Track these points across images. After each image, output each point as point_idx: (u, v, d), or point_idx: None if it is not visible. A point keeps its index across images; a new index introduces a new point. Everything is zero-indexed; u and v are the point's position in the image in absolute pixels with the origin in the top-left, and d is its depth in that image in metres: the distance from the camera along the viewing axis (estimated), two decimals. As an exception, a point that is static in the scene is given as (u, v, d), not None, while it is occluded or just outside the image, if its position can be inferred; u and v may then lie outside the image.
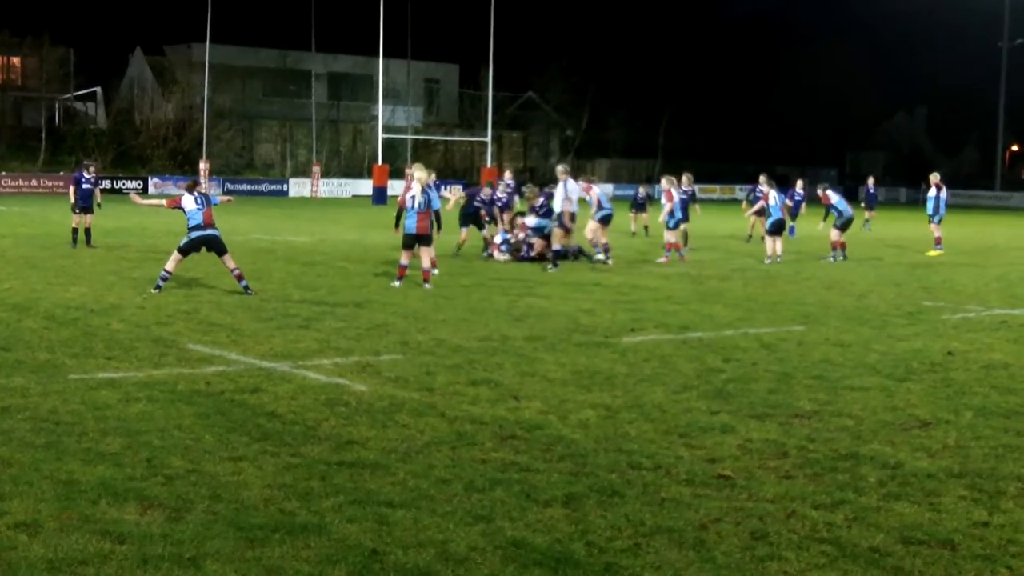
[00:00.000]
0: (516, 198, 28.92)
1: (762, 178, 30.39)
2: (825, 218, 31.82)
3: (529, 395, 11.16)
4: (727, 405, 10.88)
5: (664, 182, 28.83)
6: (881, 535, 7.23)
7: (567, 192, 24.79)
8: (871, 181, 48.11)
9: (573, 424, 9.99)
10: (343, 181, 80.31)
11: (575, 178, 26.41)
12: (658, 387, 11.70)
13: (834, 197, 30.09)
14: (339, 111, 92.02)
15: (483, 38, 70.88)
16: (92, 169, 28.62)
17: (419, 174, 21.05)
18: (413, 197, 20.39)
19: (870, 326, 16.63)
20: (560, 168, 26.00)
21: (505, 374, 12.23)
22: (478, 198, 28.06)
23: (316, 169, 78.42)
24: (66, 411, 9.98)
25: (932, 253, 31.25)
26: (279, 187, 77.16)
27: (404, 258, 20.75)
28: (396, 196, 27.14)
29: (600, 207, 26.67)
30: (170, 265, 18.98)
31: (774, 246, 27.64)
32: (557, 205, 24.79)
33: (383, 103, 71.01)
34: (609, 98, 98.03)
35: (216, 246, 19.03)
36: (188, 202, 19.09)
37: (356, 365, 12.62)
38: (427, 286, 20.09)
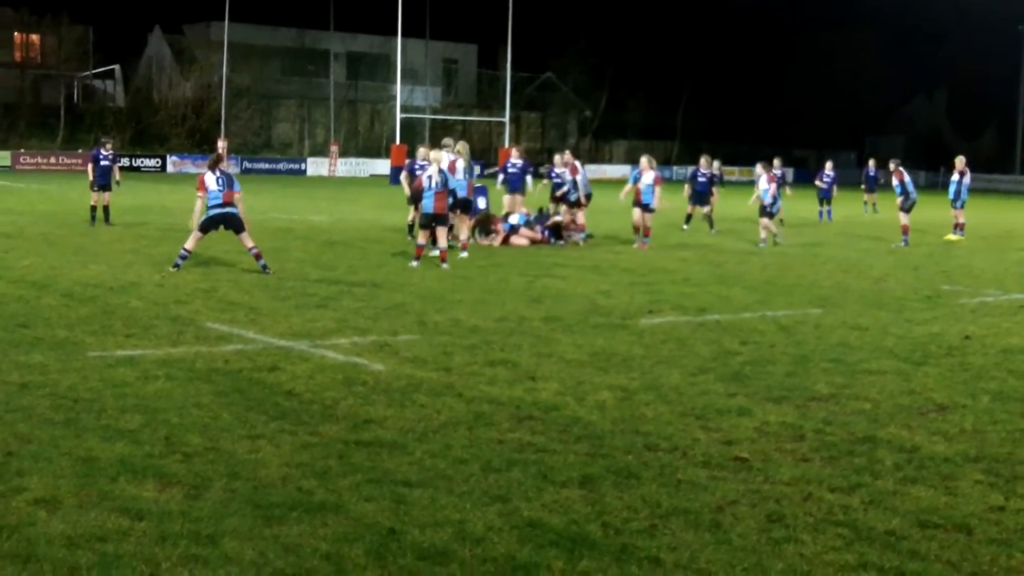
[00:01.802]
0: (528, 179, 28.01)
1: (758, 167, 29.54)
2: (901, 195, 29.23)
3: (546, 376, 11.17)
4: (744, 388, 10.88)
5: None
6: (897, 519, 7.23)
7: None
8: (872, 163, 47.34)
9: (590, 405, 10.00)
10: (361, 160, 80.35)
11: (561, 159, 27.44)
12: (675, 369, 11.70)
13: (907, 175, 29.42)
14: (357, 91, 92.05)
15: (502, 18, 70.82)
16: (109, 146, 28.68)
17: (433, 154, 21.16)
18: (430, 177, 20.44)
19: (888, 310, 16.60)
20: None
21: (522, 355, 12.24)
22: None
23: (334, 148, 78.49)
24: (85, 388, 10.03)
25: (950, 237, 31.08)
26: (297, 166, 77.27)
27: (422, 238, 20.81)
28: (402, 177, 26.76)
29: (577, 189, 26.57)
30: (189, 243, 18.92)
31: (766, 227, 27.48)
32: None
33: (401, 83, 70.98)
34: (627, 79, 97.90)
35: (234, 224, 18.96)
36: (210, 181, 18.91)
37: (373, 345, 12.65)
38: (444, 266, 20.13)
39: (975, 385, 11.27)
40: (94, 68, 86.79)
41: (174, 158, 73.25)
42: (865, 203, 45.01)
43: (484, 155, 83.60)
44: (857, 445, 8.91)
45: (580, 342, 13.16)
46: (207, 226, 18.95)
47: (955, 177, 31.70)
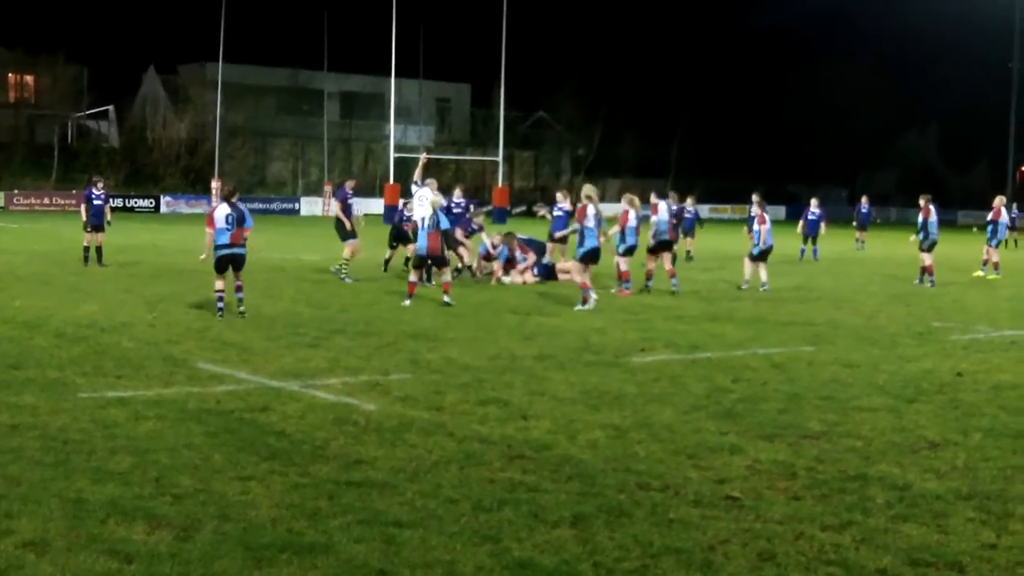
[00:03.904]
0: (473, 221, 27.51)
1: (755, 198, 27.74)
2: (918, 233, 28.58)
3: (538, 414, 11.16)
4: (736, 425, 10.88)
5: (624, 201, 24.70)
6: (889, 557, 7.22)
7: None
8: (864, 200, 47.81)
9: (582, 444, 9.99)
10: (355, 199, 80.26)
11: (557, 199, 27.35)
12: (667, 407, 11.69)
13: (934, 214, 28.35)
14: (351, 130, 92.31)
15: (495, 57, 71.06)
16: (101, 185, 28.49)
17: (433, 198, 21.21)
18: (423, 218, 20.58)
19: (879, 346, 16.61)
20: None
21: (514, 393, 12.24)
22: (401, 216, 27.17)
23: (328, 188, 78.58)
24: (75, 429, 10.01)
25: (979, 275, 30.91)
26: (291, 205, 77.38)
27: (414, 276, 20.90)
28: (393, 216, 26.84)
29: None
30: (217, 284, 18.22)
31: (755, 271, 25.44)
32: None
33: (395, 122, 71.18)
34: (620, 117, 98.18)
35: (239, 265, 18.36)
36: (219, 217, 18.18)
37: (365, 384, 12.64)
38: (446, 298, 20.18)
39: (967, 422, 11.27)
40: (88, 108, 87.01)
41: (168, 198, 73.33)
42: (857, 240, 45.21)
43: (478, 193, 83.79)
44: (849, 483, 8.90)
45: (572, 380, 13.15)
46: (220, 268, 18.25)
47: (991, 216, 31.37)
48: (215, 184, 71.55)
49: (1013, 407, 12.12)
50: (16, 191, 69.87)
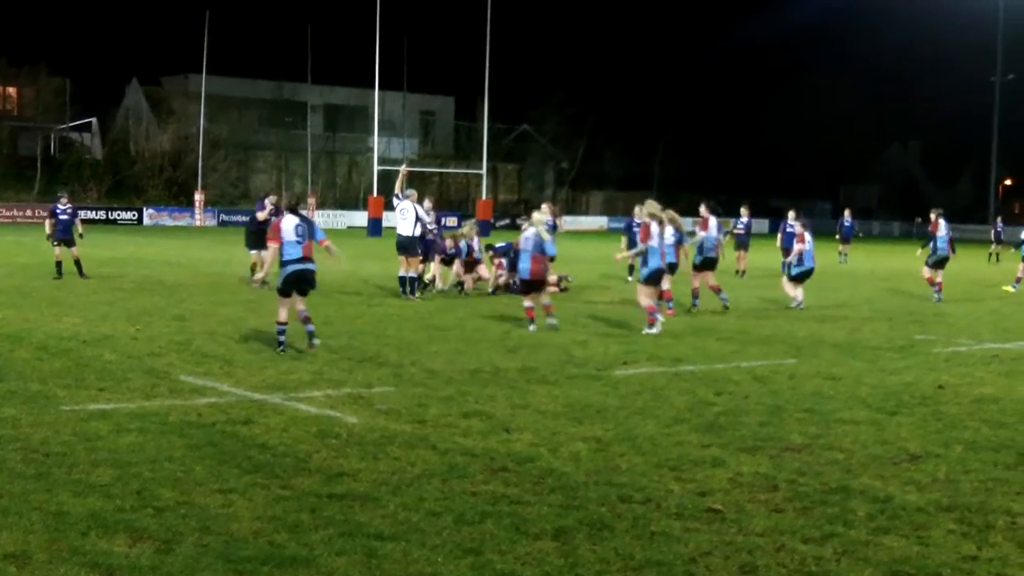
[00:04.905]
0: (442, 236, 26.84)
1: (792, 213, 26.14)
2: (925, 246, 28.25)
3: (521, 427, 11.17)
4: (718, 438, 10.90)
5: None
6: (870, 569, 7.24)
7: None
8: (847, 213, 47.93)
9: (564, 457, 10.00)
10: (338, 212, 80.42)
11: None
12: (650, 420, 11.71)
13: (943, 229, 27.44)
14: (335, 142, 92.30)
15: (479, 71, 71.18)
16: (65, 200, 28.75)
17: (536, 215, 20.23)
18: (527, 238, 19.47)
19: (862, 359, 16.66)
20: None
21: (497, 406, 12.24)
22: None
23: (312, 200, 78.52)
24: (57, 442, 9.98)
25: (1008, 289, 30.81)
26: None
27: (527, 301, 19.57)
28: (393, 226, 25.42)
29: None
30: (281, 315, 15.89)
31: (795, 291, 24.36)
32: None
33: (379, 135, 71.24)
34: (604, 130, 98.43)
35: (308, 283, 16.22)
36: (288, 231, 15.99)
37: (348, 397, 12.63)
38: (550, 320, 19.13)
39: (948, 434, 11.31)
40: (71, 120, 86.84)
41: (151, 210, 73.16)
42: (840, 253, 45.41)
43: (461, 206, 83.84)
44: (830, 495, 8.92)
45: (555, 393, 13.16)
46: (287, 289, 15.97)
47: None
48: (199, 196, 71.61)
49: (994, 420, 12.16)
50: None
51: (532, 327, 19.01)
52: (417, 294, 23.95)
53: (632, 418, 11.80)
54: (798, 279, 24.37)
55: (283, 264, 15.97)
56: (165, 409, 11.59)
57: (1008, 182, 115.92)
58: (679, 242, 21.61)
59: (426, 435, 10.71)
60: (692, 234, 23.98)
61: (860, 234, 45.33)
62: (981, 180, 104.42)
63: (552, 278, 25.50)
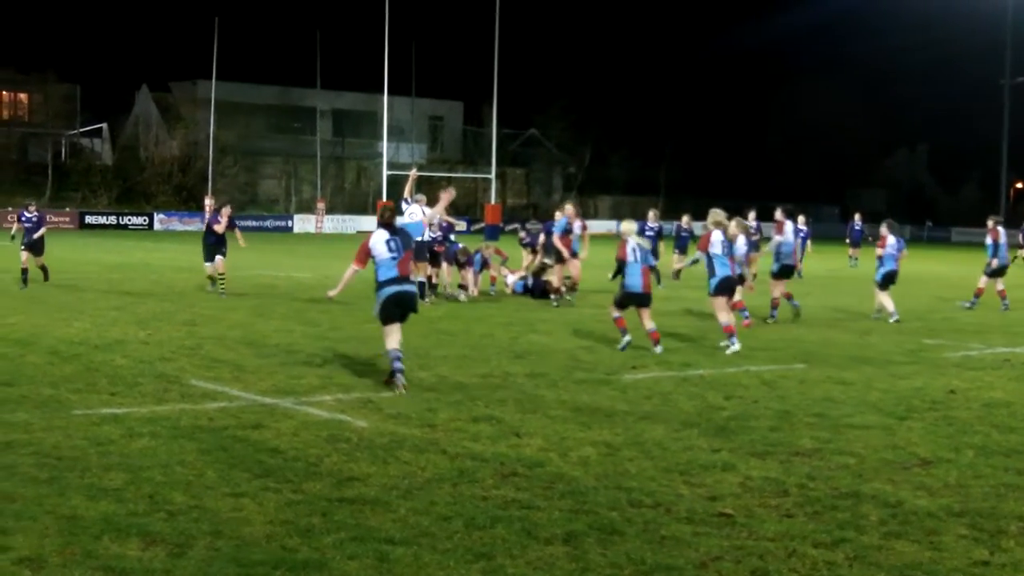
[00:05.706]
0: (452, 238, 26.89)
1: (886, 224, 25.06)
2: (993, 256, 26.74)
3: (530, 432, 11.18)
4: (728, 443, 10.90)
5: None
6: (881, 574, 7.24)
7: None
8: (858, 217, 47.61)
9: (574, 461, 10.01)
10: (347, 217, 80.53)
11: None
12: (659, 425, 11.72)
13: (1003, 236, 26.52)
14: (343, 147, 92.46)
15: (487, 76, 71.33)
16: (32, 207, 28.87)
17: (625, 225, 18.63)
18: (634, 249, 17.85)
19: (872, 364, 16.64)
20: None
21: (506, 411, 12.26)
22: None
23: (320, 205, 78.73)
24: (69, 446, 10.01)
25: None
26: (283, 223, 77.38)
27: (616, 312, 17.96)
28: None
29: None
30: (390, 342, 13.65)
31: (887, 300, 23.18)
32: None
33: (387, 140, 71.29)
34: (611, 135, 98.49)
35: (411, 307, 13.95)
36: (379, 246, 13.83)
37: (358, 401, 12.65)
38: (657, 348, 17.38)
39: (959, 439, 11.30)
40: (81, 126, 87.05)
41: (161, 215, 73.37)
42: (850, 256, 45.38)
43: (470, 211, 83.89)
44: (841, 500, 8.92)
45: (564, 398, 13.17)
46: (388, 314, 13.67)
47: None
48: (208, 202, 71.52)
49: (1005, 425, 12.15)
50: (9, 209, 69.72)
51: (627, 337, 17.62)
52: (427, 299, 23.97)
53: (641, 423, 11.80)
54: (883, 285, 23.28)
55: (378, 286, 13.79)
56: (176, 414, 11.62)
57: (1019, 185, 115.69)
58: (750, 251, 20.99)
59: (436, 440, 10.73)
60: (768, 240, 23.17)
61: (870, 238, 45.07)
62: (988, 184, 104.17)
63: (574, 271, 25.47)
